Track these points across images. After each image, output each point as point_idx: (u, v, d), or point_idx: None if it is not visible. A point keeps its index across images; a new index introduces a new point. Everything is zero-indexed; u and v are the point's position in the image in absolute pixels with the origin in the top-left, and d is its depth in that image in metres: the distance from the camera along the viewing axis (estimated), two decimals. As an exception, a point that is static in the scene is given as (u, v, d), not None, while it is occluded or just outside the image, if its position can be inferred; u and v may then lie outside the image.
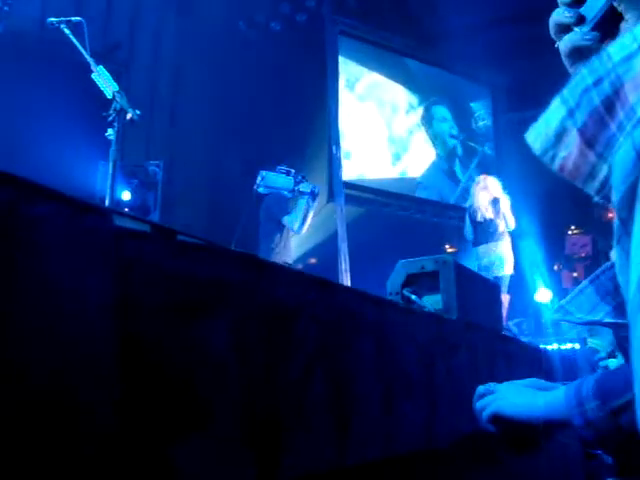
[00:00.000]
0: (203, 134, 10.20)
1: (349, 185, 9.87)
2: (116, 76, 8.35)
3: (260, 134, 9.96)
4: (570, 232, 12.27)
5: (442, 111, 11.62)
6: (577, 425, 1.10)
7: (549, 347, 6.15)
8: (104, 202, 4.46)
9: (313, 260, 11.74)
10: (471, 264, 7.24)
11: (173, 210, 8.86)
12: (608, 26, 0.76)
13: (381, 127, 10.79)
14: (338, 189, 9.56)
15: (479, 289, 2.83)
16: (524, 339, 6.03)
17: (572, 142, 0.66)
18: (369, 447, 1.43)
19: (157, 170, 8.35)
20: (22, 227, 0.77)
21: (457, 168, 11.78)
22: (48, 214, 0.79)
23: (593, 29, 0.78)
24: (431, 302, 2.46)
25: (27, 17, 7.30)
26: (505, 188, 8.04)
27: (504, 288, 7.40)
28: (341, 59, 10.24)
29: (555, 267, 11.73)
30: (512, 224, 7.66)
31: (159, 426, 0.94)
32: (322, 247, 9.69)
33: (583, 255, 11.69)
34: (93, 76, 4.25)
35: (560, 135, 0.67)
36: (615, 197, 0.62)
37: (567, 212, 11.90)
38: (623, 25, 0.75)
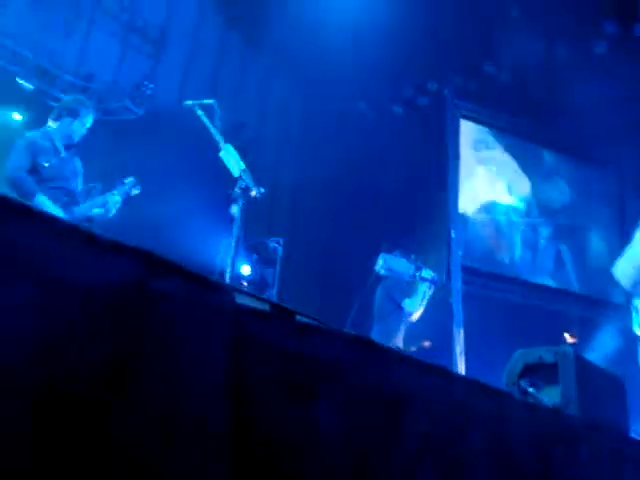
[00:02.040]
0: (323, 214, 10.40)
1: (466, 269, 9.73)
2: (243, 153, 8.77)
3: (378, 216, 10.05)
4: None
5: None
6: None
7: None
8: (224, 276, 4.59)
9: (427, 343, 11.54)
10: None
11: (290, 287, 9.01)
12: None
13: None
14: (455, 271, 9.44)
15: (602, 384, 2.69)
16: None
17: None
18: None
19: (277, 247, 8.57)
20: (150, 300, 0.81)
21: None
22: (174, 290, 0.83)
23: None
24: (549, 395, 2.36)
25: (167, 100, 7.84)
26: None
27: None
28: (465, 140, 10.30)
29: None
30: None
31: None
32: (435, 330, 9.54)
33: None
34: (221, 154, 4.47)
35: None
36: None
37: None
38: None
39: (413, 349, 9.32)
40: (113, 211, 4.98)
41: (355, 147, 10.24)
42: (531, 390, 2.36)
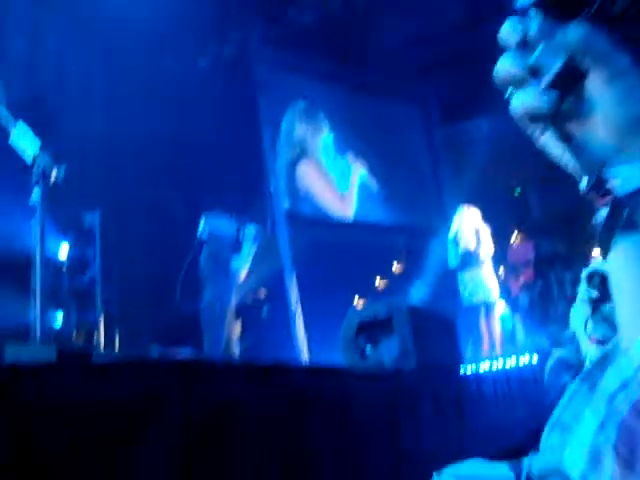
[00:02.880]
0: (140, 179, 9.97)
1: (292, 216, 9.77)
2: (44, 128, 8.14)
3: (198, 174, 9.80)
4: (513, 239, 12.40)
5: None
6: None
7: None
8: (36, 264, 4.22)
9: (262, 292, 11.58)
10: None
11: (114, 260, 8.60)
12: (569, 80, 0.60)
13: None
14: (280, 221, 9.46)
15: (435, 327, 2.74)
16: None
17: (610, 464, 0.53)
18: None
19: (93, 221, 8.10)
20: None
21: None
22: None
23: (550, 86, 0.60)
24: (387, 349, 2.35)
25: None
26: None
27: (493, 311, 7.84)
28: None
29: (500, 274, 11.84)
30: (491, 251, 8.02)
31: None
32: (271, 278, 9.56)
33: (527, 260, 11.86)
34: (11, 141, 4.03)
35: (596, 456, 0.55)
36: None
37: (507, 219, 12.05)
38: (590, 82, 0.60)
39: (249, 300, 9.30)
40: None
41: (166, 106, 9.84)
42: (368, 349, 2.34)
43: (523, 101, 0.61)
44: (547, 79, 0.58)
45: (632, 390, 0.53)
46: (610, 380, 0.56)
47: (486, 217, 8.46)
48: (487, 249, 8.03)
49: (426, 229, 11.73)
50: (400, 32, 11.35)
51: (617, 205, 0.59)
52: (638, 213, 0.58)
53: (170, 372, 0.99)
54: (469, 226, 8.13)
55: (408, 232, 11.70)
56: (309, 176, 10.31)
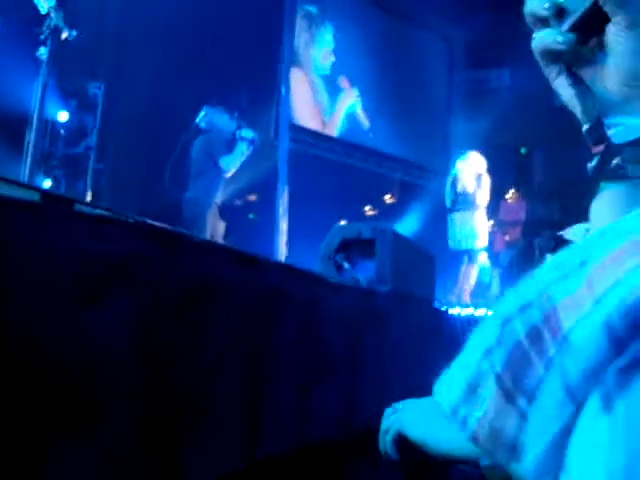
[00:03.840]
0: (150, 62, 9.77)
1: (294, 127, 9.65)
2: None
3: (207, 68, 9.61)
4: (508, 196, 12.42)
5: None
6: (483, 466, 1.01)
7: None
8: (33, 124, 4.17)
9: (252, 197, 11.56)
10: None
11: (111, 134, 8.52)
12: (591, 25, 0.61)
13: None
14: (283, 129, 9.34)
15: (416, 259, 2.75)
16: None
17: (489, 395, 0.47)
18: (282, 440, 1.33)
19: (98, 92, 7.98)
20: None
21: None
22: None
23: (572, 29, 0.61)
24: (364, 270, 2.36)
25: None
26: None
27: (475, 260, 7.92)
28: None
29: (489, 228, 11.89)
30: (487, 200, 8.04)
31: (35, 426, 0.81)
32: (263, 186, 9.53)
33: (517, 219, 11.91)
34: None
35: (474, 385, 0.48)
36: (529, 459, 0.44)
37: (507, 176, 12.01)
38: (610, 28, 0.60)
39: (239, 202, 9.29)
40: None
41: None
42: (346, 265, 2.35)
43: (543, 38, 0.62)
44: (570, 20, 0.59)
45: (532, 314, 0.47)
46: (508, 303, 0.50)
47: (487, 169, 8.42)
48: (484, 197, 8.06)
49: (426, 168, 11.68)
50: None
51: (608, 153, 0.59)
52: (629, 165, 0.58)
53: (150, 237, 0.98)
54: (471, 170, 8.13)
55: (407, 167, 11.63)
56: (296, 88, 9.96)
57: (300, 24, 10.14)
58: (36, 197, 0.82)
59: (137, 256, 0.95)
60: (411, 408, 1.16)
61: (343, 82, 10.56)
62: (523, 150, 13.82)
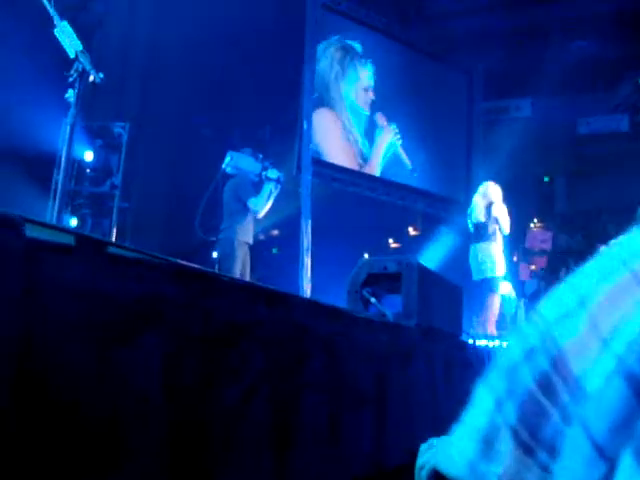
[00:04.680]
0: (174, 100, 9.94)
1: (317, 162, 9.70)
2: (89, 31, 8.13)
3: (232, 102, 9.76)
4: (533, 225, 12.36)
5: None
6: None
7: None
8: (61, 164, 4.24)
9: (275, 232, 11.62)
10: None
11: (136, 173, 8.65)
12: None
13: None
14: (306, 164, 9.39)
15: (442, 293, 2.74)
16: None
17: (506, 450, 0.44)
18: (311, 479, 1.32)
19: (122, 132, 8.11)
20: None
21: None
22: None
23: None
24: (391, 304, 2.36)
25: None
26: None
27: (496, 289, 7.85)
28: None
29: (514, 258, 11.80)
30: (506, 228, 7.95)
31: (63, 465, 0.82)
32: (286, 220, 9.59)
33: (543, 249, 11.81)
34: (56, 32, 4.01)
35: (489, 440, 0.45)
36: None
37: (530, 205, 11.96)
38: None
39: (262, 237, 9.33)
40: None
41: (211, 31, 9.74)
42: (373, 300, 2.35)
43: None
44: None
45: (538, 360, 0.44)
46: (512, 349, 0.47)
47: (509, 199, 8.38)
48: (502, 226, 7.99)
49: (448, 199, 11.67)
50: (458, 0, 11.17)
51: None
52: None
53: (179, 277, 1.00)
54: (484, 200, 8.11)
55: (430, 198, 11.63)
56: (326, 125, 10.00)
57: (334, 58, 10.25)
58: (70, 240, 0.84)
59: (167, 296, 0.96)
60: (447, 444, 1.15)
61: (380, 119, 10.64)
62: (546, 178, 13.76)
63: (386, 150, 10.77)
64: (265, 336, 1.20)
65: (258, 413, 1.16)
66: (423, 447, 1.23)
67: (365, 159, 10.57)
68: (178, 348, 0.98)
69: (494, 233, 7.99)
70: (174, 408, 0.96)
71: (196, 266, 1.07)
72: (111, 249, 0.89)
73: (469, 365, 2.75)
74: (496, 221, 7.97)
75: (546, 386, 0.43)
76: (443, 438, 1.29)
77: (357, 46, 10.51)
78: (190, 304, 1.01)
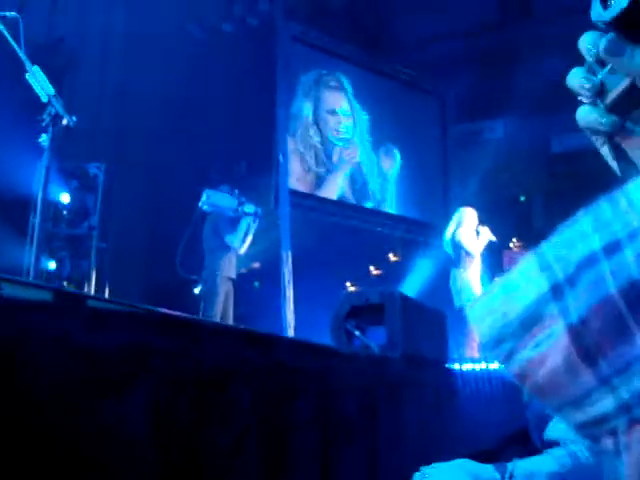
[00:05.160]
0: (149, 139, 9.95)
1: (293, 193, 9.73)
2: (61, 73, 8.15)
3: (206, 139, 9.79)
4: (512, 245, 12.43)
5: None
6: None
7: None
8: (37, 207, 4.23)
9: (256, 265, 11.59)
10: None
11: (113, 213, 8.60)
12: (631, 101, 0.61)
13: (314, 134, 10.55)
14: (283, 197, 9.42)
15: (425, 320, 2.75)
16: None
17: (554, 342, 0.39)
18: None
19: (98, 172, 8.09)
20: None
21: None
22: None
23: (613, 106, 0.62)
24: (375, 336, 2.35)
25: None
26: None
27: None
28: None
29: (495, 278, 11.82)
30: (474, 252, 7.95)
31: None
32: (267, 252, 9.59)
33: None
34: (28, 77, 4.01)
35: (530, 323, 0.41)
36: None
37: (508, 225, 12.04)
38: None
39: (243, 270, 9.32)
40: None
41: (183, 69, 9.80)
42: (357, 332, 2.34)
43: (585, 116, 0.62)
44: (610, 98, 0.60)
45: (625, 260, 0.37)
46: (587, 234, 0.41)
47: (486, 221, 8.43)
48: (468, 250, 8.01)
49: (426, 224, 11.73)
50: (427, 26, 11.35)
51: None
52: None
53: (163, 326, 0.99)
54: (465, 226, 8.14)
55: (408, 224, 11.69)
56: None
57: (305, 88, 10.40)
58: (48, 297, 0.83)
59: (151, 346, 0.95)
60: (440, 472, 1.15)
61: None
62: (522, 198, 13.86)
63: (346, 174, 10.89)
64: (252, 378, 1.19)
65: (251, 452, 1.14)
66: (417, 476, 1.23)
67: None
68: (165, 396, 0.97)
69: (462, 259, 8.02)
70: (163, 456, 0.95)
71: (180, 314, 1.06)
72: (91, 302, 0.88)
73: (456, 392, 2.75)
74: (460, 246, 7.98)
75: (635, 299, 0.36)
76: (435, 466, 1.29)
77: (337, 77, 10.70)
78: (177, 353, 1.00)
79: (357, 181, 11.05)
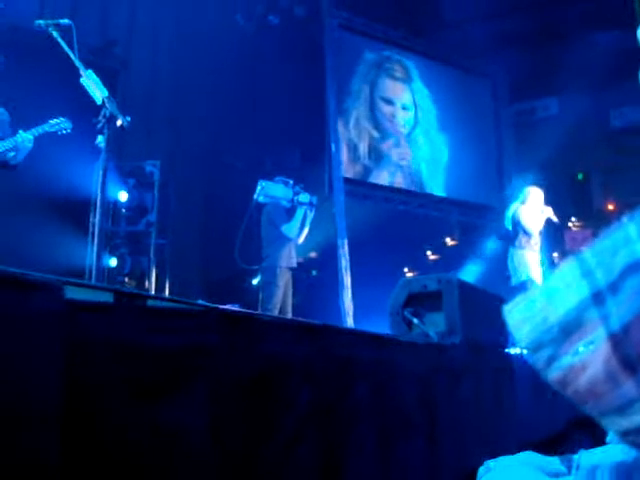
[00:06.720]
0: (203, 134, 10.07)
1: (347, 181, 9.72)
2: (114, 75, 8.30)
3: (259, 132, 9.85)
4: (571, 225, 12.19)
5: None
6: None
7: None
8: (97, 206, 4.33)
9: (313, 254, 11.64)
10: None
11: (170, 208, 8.74)
12: None
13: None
14: (337, 185, 9.42)
15: (483, 305, 2.71)
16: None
17: (594, 350, 0.38)
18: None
19: (154, 170, 8.22)
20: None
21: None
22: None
23: None
24: (434, 323, 2.34)
25: (23, 16, 7.12)
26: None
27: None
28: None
29: (555, 260, 11.62)
30: (533, 230, 7.82)
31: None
32: (323, 241, 9.60)
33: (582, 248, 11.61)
34: (82, 81, 4.10)
35: (570, 329, 0.40)
36: None
37: (567, 204, 11.78)
38: None
39: (301, 260, 9.37)
40: (24, 152, 4.79)
41: (234, 63, 9.87)
42: (415, 320, 2.33)
43: None
44: None
45: None
46: (629, 242, 0.39)
47: (546, 200, 8.27)
48: (527, 229, 7.89)
49: (482, 206, 11.59)
50: (473, 6, 11.17)
51: None
52: None
53: (219, 323, 1.00)
54: (528, 205, 8.00)
55: (463, 207, 11.57)
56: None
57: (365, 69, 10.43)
58: (109, 298, 0.86)
59: (208, 344, 0.97)
60: (504, 466, 1.14)
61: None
62: (580, 176, 13.53)
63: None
64: (310, 370, 1.20)
65: (308, 447, 1.16)
66: (481, 470, 1.22)
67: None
68: (223, 393, 0.99)
69: (520, 237, 7.91)
70: (222, 454, 0.97)
71: (236, 309, 1.08)
72: (150, 302, 0.90)
73: (516, 376, 2.71)
74: (519, 224, 7.87)
75: None
76: (500, 460, 1.28)
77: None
78: (233, 350, 1.02)
79: (409, 167, 10.99)
